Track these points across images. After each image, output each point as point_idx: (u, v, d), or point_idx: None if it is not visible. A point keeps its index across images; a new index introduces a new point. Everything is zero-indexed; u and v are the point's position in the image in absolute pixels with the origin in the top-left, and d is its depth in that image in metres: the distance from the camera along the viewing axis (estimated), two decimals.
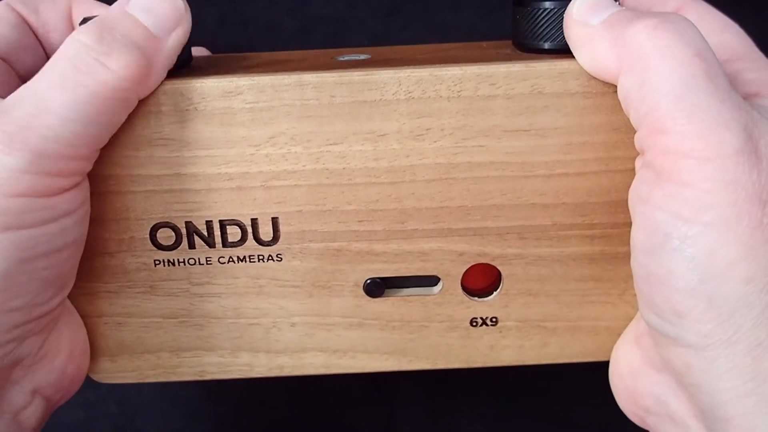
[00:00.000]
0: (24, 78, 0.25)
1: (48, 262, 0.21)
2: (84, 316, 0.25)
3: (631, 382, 0.23)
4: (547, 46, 0.23)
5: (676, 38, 0.19)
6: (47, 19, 0.26)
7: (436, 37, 0.32)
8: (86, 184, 0.22)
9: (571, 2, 0.22)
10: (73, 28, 0.26)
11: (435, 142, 0.23)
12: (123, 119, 0.22)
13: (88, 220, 0.22)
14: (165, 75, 0.22)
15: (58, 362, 0.23)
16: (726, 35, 0.23)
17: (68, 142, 0.20)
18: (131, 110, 0.22)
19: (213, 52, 0.30)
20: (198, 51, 0.28)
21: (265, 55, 0.27)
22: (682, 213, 0.19)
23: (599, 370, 0.25)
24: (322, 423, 0.37)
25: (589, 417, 0.37)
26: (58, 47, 0.26)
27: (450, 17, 0.32)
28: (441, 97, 0.22)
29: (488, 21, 0.32)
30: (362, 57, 0.25)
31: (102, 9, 0.26)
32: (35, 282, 0.20)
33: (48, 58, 0.26)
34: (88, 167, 0.22)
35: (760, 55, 0.23)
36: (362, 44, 0.32)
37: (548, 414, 0.37)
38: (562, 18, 0.23)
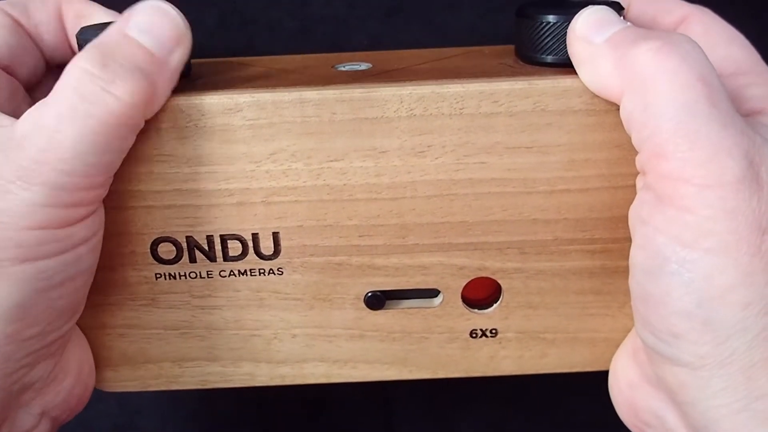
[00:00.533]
0: (26, 84, 0.25)
1: (63, 290, 0.21)
2: (87, 328, 0.25)
3: (630, 396, 0.24)
4: (550, 59, 0.23)
5: (680, 61, 0.19)
6: (39, 20, 0.25)
7: (437, 37, 0.32)
8: (101, 213, 0.22)
9: (575, 18, 0.22)
10: (64, 28, 0.26)
11: (436, 158, 0.23)
12: (132, 142, 0.21)
13: (100, 246, 0.22)
14: (169, 94, 0.22)
15: (67, 383, 0.23)
16: (732, 48, 0.23)
17: (83, 173, 0.20)
18: (138, 130, 0.22)
19: (212, 52, 0.30)
20: None
21: (265, 60, 0.27)
22: (682, 238, 0.19)
23: (599, 372, 0.26)
24: (321, 424, 0.37)
25: (589, 418, 0.37)
26: (53, 47, 0.25)
27: (450, 18, 0.32)
28: (443, 114, 0.22)
29: (488, 21, 0.32)
30: (363, 67, 0.25)
31: (93, 7, 0.26)
32: (50, 311, 0.21)
33: (45, 60, 0.26)
34: (104, 193, 0.22)
35: (766, 69, 0.23)
36: (362, 44, 0.32)
37: (549, 415, 0.38)
38: (566, 32, 0.22)
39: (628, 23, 0.22)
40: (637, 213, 0.21)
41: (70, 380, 0.24)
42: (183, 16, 0.22)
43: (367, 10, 0.31)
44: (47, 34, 0.26)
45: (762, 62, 0.23)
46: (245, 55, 0.28)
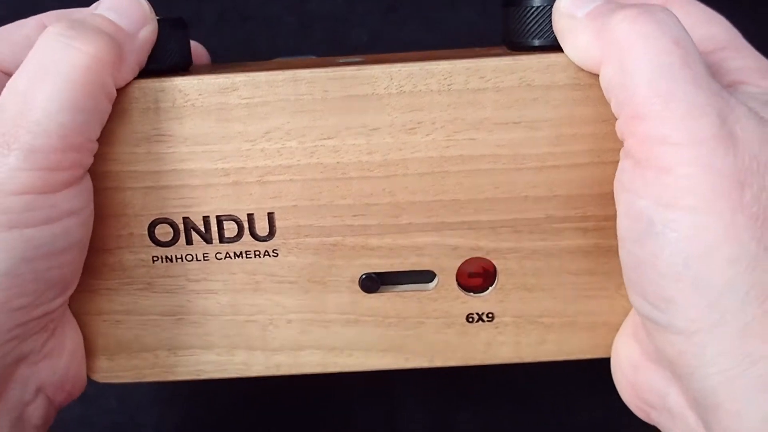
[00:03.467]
0: None
1: (52, 263, 0.23)
2: (83, 314, 0.27)
3: (633, 377, 0.25)
4: (537, 43, 0.25)
5: (655, 27, 0.21)
6: None
7: (435, 34, 0.34)
8: (89, 185, 0.24)
9: None
10: None
11: (427, 135, 0.25)
12: (107, 107, 0.24)
13: (91, 223, 0.24)
14: (138, 69, 0.24)
15: (63, 362, 0.25)
16: (712, 27, 0.26)
17: (58, 134, 0.22)
18: (113, 98, 0.24)
19: (212, 47, 0.33)
20: (195, 47, 0.30)
21: (265, 63, 0.30)
22: (662, 198, 0.21)
23: (599, 365, 0.27)
24: (321, 416, 0.38)
25: (588, 412, 0.38)
26: None
27: (448, 14, 0.34)
28: (432, 90, 0.24)
29: (486, 18, 0.34)
30: (358, 60, 0.27)
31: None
32: (39, 282, 0.23)
33: None
34: (87, 159, 0.23)
35: (745, 44, 0.25)
36: (362, 41, 0.34)
37: (547, 408, 0.38)
38: (551, 15, 0.25)
39: None
40: (619, 182, 0.23)
41: (66, 360, 0.25)
42: (147, 2, 0.25)
43: (367, 7, 0.34)
44: None
45: (741, 38, 0.25)
46: (244, 51, 0.31)
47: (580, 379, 0.34)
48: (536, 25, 0.25)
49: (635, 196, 0.21)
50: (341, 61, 0.27)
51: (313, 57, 0.34)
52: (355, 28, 0.34)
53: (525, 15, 0.26)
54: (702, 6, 0.26)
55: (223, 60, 0.34)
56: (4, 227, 0.21)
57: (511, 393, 0.38)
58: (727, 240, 0.20)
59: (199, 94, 0.24)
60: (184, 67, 0.27)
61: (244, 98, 0.24)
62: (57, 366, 0.25)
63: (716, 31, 0.25)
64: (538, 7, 0.25)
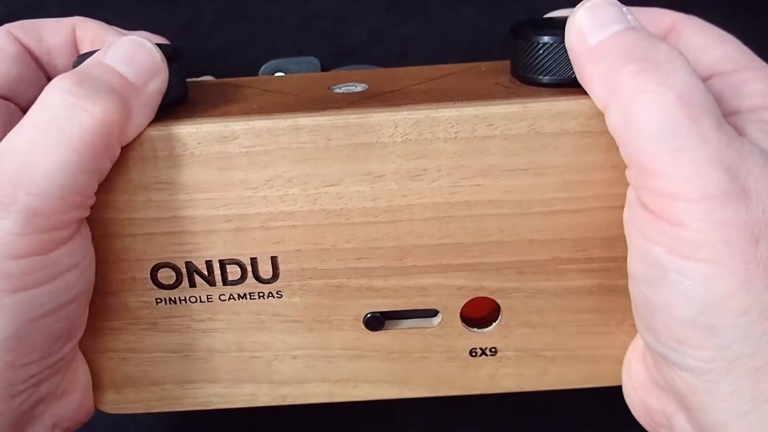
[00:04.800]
0: (26, 110, 0.27)
1: (57, 316, 0.23)
2: (89, 352, 0.27)
3: (645, 397, 0.26)
4: (546, 80, 0.25)
5: (659, 84, 0.21)
6: (52, 44, 0.27)
7: (436, 32, 0.34)
8: (86, 234, 0.24)
9: (579, 5, 0.23)
10: (78, 53, 0.28)
11: (432, 182, 0.24)
12: (108, 166, 0.23)
13: (93, 270, 0.24)
14: (145, 123, 0.24)
15: (77, 395, 0.26)
16: (726, 47, 0.25)
17: (58, 196, 0.21)
18: (115, 157, 0.23)
19: (211, 47, 0.32)
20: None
21: (261, 81, 0.29)
22: (678, 249, 0.21)
23: None
24: (322, 420, 0.40)
25: (588, 414, 0.39)
26: (64, 72, 0.27)
27: (450, 13, 0.34)
28: (438, 138, 0.24)
29: (487, 17, 0.34)
30: (358, 88, 0.27)
31: (108, 31, 0.27)
32: (47, 337, 0.23)
33: None
34: (85, 213, 0.23)
35: (763, 64, 0.25)
36: (362, 39, 0.34)
37: (548, 415, 0.40)
38: (561, 52, 0.24)
39: (628, 18, 0.23)
40: (632, 224, 0.23)
41: (80, 393, 0.26)
42: (160, 51, 0.24)
43: (367, 5, 0.33)
44: (60, 58, 0.28)
45: (757, 58, 0.25)
46: (244, 50, 0.30)
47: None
48: (545, 62, 0.25)
49: (650, 242, 0.22)
50: (338, 90, 0.27)
51: (313, 57, 0.33)
52: (355, 27, 0.34)
53: (534, 51, 0.25)
54: (712, 27, 0.26)
55: (224, 59, 0.33)
56: (7, 292, 0.22)
57: (515, 396, 0.39)
58: (741, 290, 0.20)
59: (198, 143, 0.24)
60: (180, 100, 0.26)
61: (245, 147, 0.24)
62: (72, 401, 0.26)
63: (732, 51, 0.25)
64: (547, 43, 0.25)
